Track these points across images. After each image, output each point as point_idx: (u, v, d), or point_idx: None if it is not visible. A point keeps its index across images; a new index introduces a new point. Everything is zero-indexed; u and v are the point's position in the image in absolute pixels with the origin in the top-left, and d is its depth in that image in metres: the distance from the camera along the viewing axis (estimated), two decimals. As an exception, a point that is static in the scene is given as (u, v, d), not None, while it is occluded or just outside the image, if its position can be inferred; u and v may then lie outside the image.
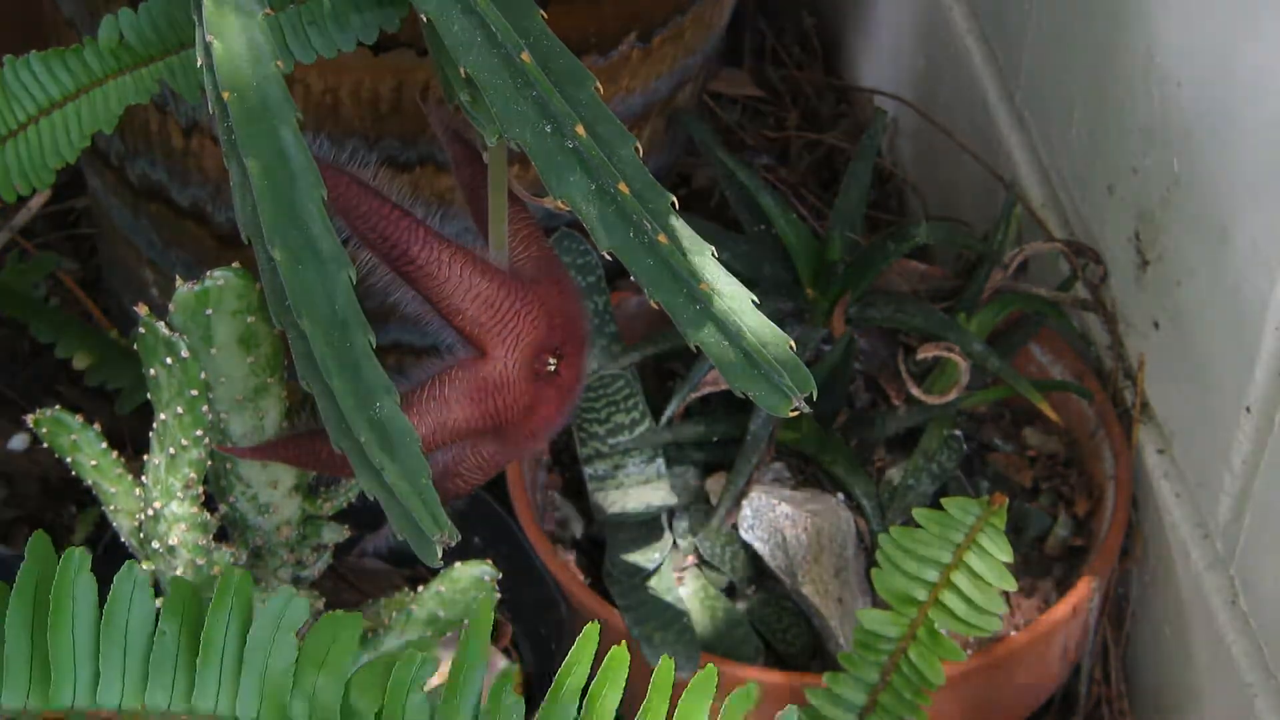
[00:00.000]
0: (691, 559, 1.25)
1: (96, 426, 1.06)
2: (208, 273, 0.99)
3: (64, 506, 1.42)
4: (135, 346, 1.01)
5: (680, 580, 1.24)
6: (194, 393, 1.01)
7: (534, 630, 1.25)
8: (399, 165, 1.18)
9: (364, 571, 1.30)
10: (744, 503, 1.24)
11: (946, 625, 1.08)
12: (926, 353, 1.27)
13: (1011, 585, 1.08)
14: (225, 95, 0.84)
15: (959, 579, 1.07)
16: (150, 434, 1.03)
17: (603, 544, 1.25)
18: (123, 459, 1.08)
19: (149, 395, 1.02)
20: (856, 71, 1.70)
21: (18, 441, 1.44)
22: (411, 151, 1.18)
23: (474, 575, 1.10)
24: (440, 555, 0.82)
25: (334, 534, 1.12)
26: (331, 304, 0.82)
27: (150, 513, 1.05)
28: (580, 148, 0.83)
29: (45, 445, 1.06)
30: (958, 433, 1.29)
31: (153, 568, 1.08)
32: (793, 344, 0.86)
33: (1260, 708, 1.14)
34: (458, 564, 1.10)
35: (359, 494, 1.09)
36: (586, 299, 1.27)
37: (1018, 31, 1.40)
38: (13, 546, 1.38)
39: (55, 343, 1.41)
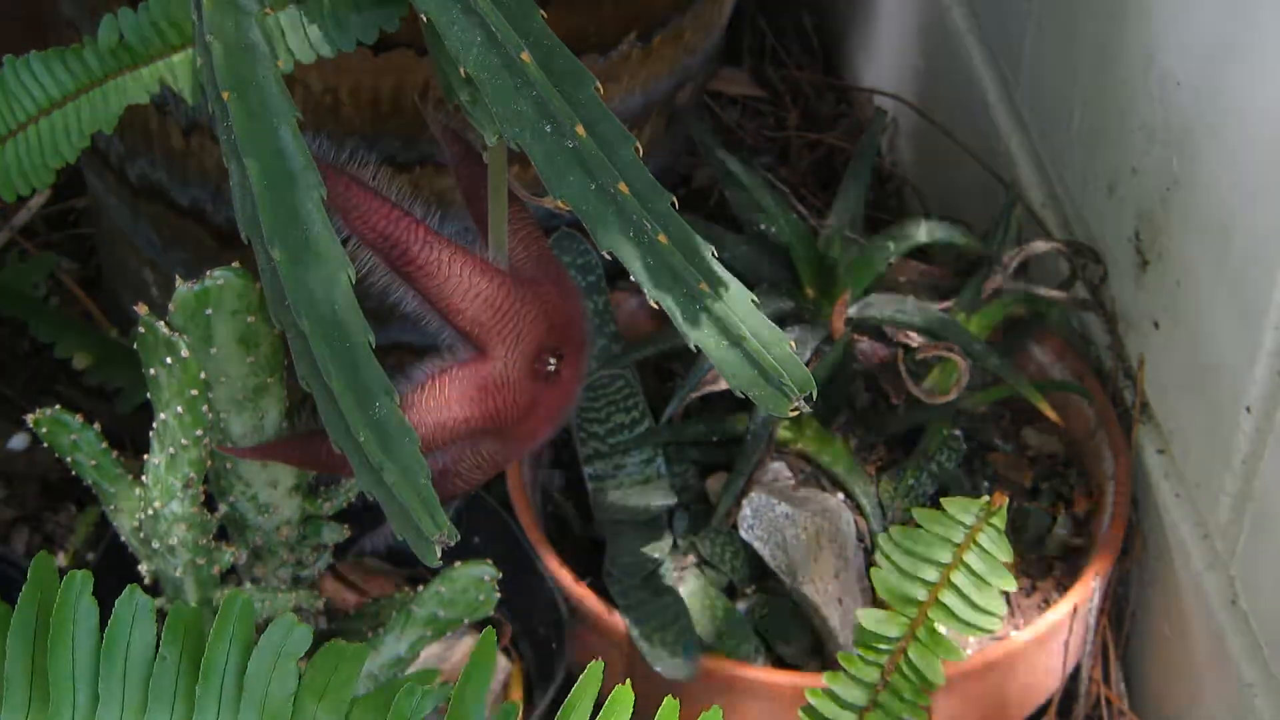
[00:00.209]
0: (691, 559, 1.25)
1: (96, 426, 1.06)
2: (208, 273, 0.99)
3: (64, 506, 1.42)
4: (135, 346, 1.01)
5: (680, 580, 1.24)
6: (194, 392, 1.01)
7: (534, 630, 1.25)
8: (399, 165, 1.18)
9: (364, 571, 1.30)
10: (744, 503, 1.24)
11: (946, 625, 1.08)
12: (926, 353, 1.27)
13: (1011, 585, 1.08)
14: (225, 95, 0.84)
15: (959, 579, 1.07)
16: (150, 434, 1.03)
17: (603, 544, 1.25)
18: (123, 459, 1.08)
19: (149, 395, 1.02)
20: (856, 71, 1.70)
21: (17, 441, 1.44)
22: (411, 151, 1.18)
23: (474, 575, 1.10)
24: (439, 555, 0.82)
25: (334, 534, 1.12)
26: (331, 304, 0.82)
27: (150, 512, 1.05)
28: (580, 148, 0.83)
29: (45, 445, 1.06)
30: (958, 433, 1.29)
31: (153, 567, 1.08)
32: (793, 344, 0.86)
33: (1260, 708, 1.14)
34: (457, 564, 1.10)
35: (359, 494, 1.09)
36: (586, 299, 1.27)
37: (1018, 31, 1.40)
38: (12, 547, 1.38)
39: (55, 343, 1.41)
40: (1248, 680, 1.16)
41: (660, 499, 1.25)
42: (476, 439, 1.00)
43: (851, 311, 1.29)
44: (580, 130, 0.83)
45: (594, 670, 0.90)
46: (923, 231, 1.30)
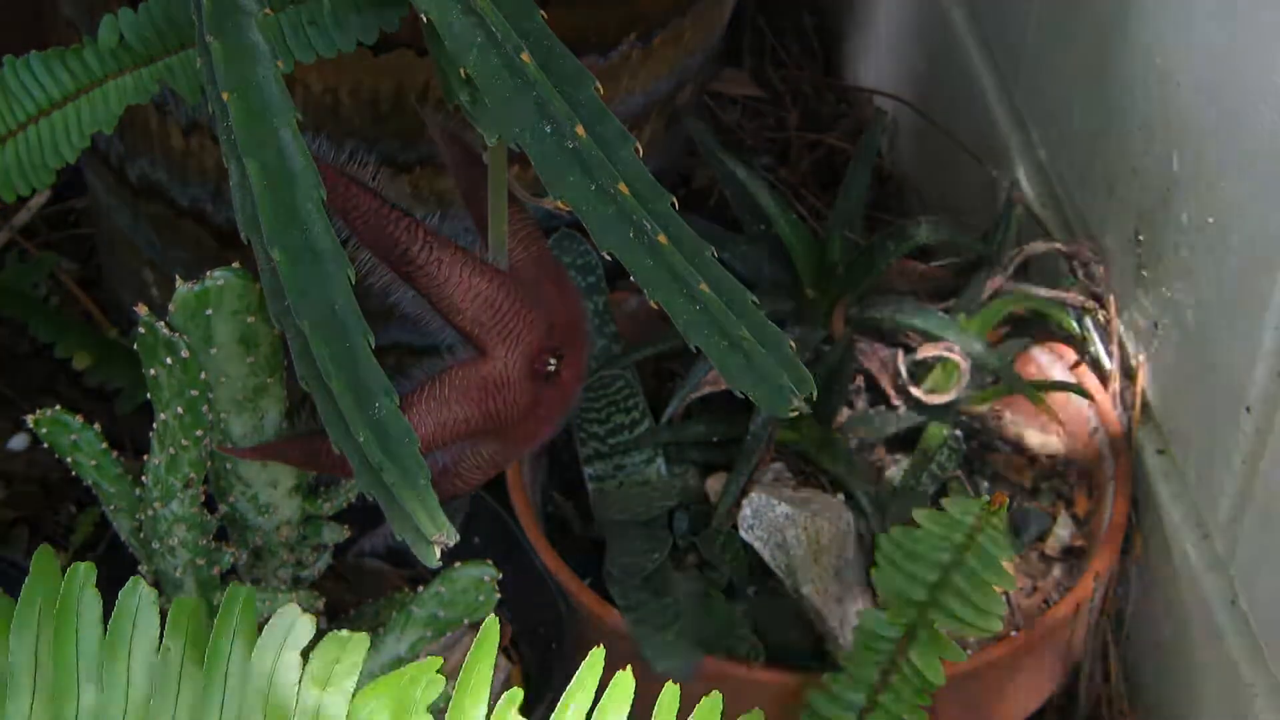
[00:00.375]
0: (691, 559, 1.25)
1: (96, 426, 1.06)
2: (208, 273, 0.99)
3: (64, 506, 1.42)
4: (135, 346, 1.01)
5: (680, 580, 1.24)
6: (194, 393, 1.01)
7: (534, 630, 1.25)
8: (399, 165, 1.18)
9: (364, 571, 1.30)
10: (744, 503, 1.24)
11: (946, 625, 1.08)
12: (926, 353, 1.27)
13: (1012, 585, 1.08)
14: (225, 95, 0.84)
15: (959, 579, 1.07)
16: (150, 434, 1.03)
17: (603, 544, 1.25)
18: (123, 459, 1.08)
19: (149, 395, 1.02)
20: (856, 71, 1.70)
21: (17, 442, 1.44)
22: (411, 152, 1.18)
23: (474, 575, 1.10)
24: (439, 556, 0.82)
25: (334, 534, 1.12)
26: (330, 304, 0.82)
27: (150, 513, 1.05)
28: (580, 148, 0.83)
29: (45, 445, 1.06)
30: (958, 433, 1.29)
31: (153, 568, 1.08)
32: (793, 344, 0.86)
33: (1260, 708, 1.14)
34: (457, 564, 1.10)
35: (359, 494, 1.09)
36: (586, 299, 1.27)
37: (1018, 31, 1.40)
38: (12, 548, 1.38)
39: (55, 343, 1.41)
40: (1247, 680, 1.15)
41: (660, 499, 1.25)
42: (476, 439, 1.00)
43: (851, 312, 1.29)
44: (580, 131, 0.83)
45: (595, 657, 0.90)
46: (923, 231, 1.30)
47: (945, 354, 1.25)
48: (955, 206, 1.50)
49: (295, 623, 0.88)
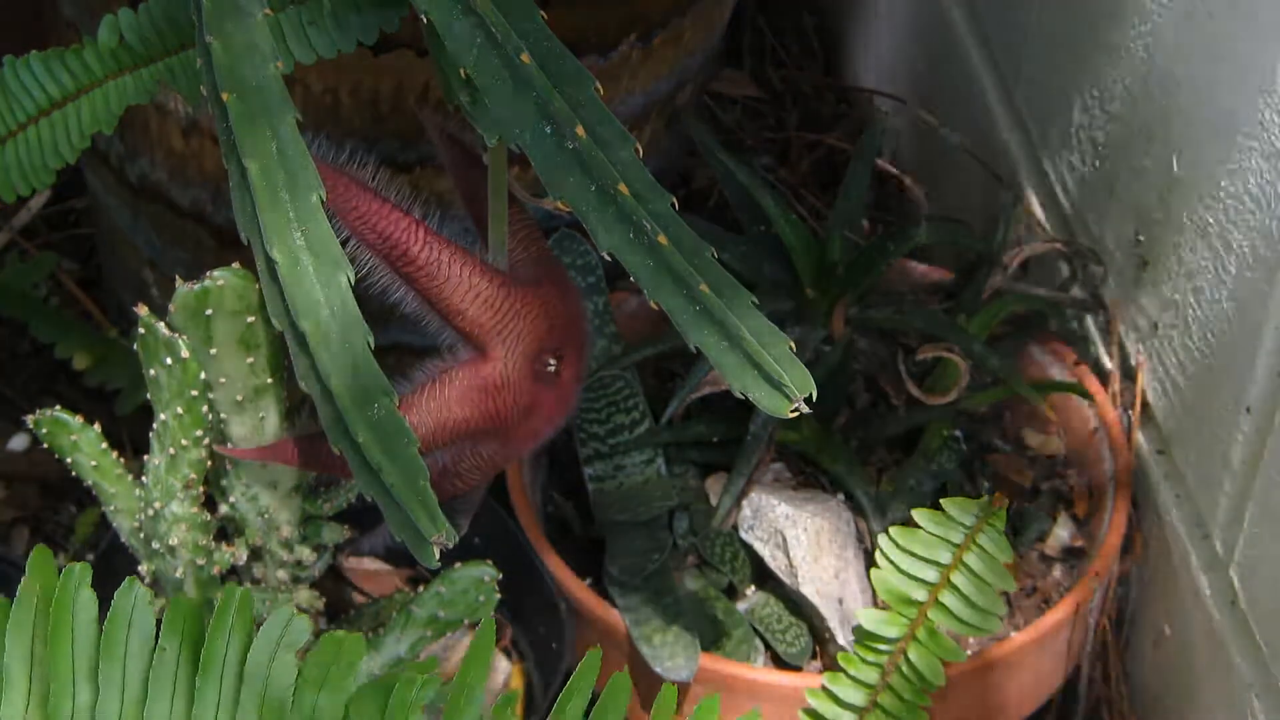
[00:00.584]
0: (691, 559, 1.25)
1: (96, 426, 1.06)
2: (208, 273, 0.99)
3: (64, 507, 1.42)
4: (135, 347, 1.01)
5: (680, 580, 1.24)
6: (194, 393, 1.01)
7: (534, 630, 1.25)
8: (398, 165, 1.18)
9: (364, 571, 1.30)
10: (744, 503, 1.24)
11: (946, 626, 1.08)
12: (926, 353, 1.27)
13: (1011, 586, 1.08)
14: (225, 96, 0.84)
15: (959, 580, 1.07)
16: (150, 434, 1.03)
17: (603, 544, 1.25)
18: (123, 459, 1.08)
19: (149, 395, 1.02)
20: (856, 71, 1.70)
21: (17, 442, 1.44)
22: (411, 152, 1.18)
23: (474, 576, 1.10)
24: (438, 556, 0.82)
25: (334, 534, 1.12)
26: (330, 305, 0.82)
27: (150, 513, 1.05)
28: (580, 149, 0.83)
29: (45, 446, 1.06)
30: (958, 433, 1.29)
31: (153, 568, 1.08)
32: (792, 344, 0.86)
33: (1260, 708, 1.14)
34: (458, 564, 1.10)
35: (359, 494, 1.09)
36: (586, 299, 1.27)
37: (1018, 31, 1.40)
38: (12, 548, 1.38)
39: (55, 343, 1.41)
40: (1247, 680, 1.16)
41: (660, 499, 1.25)
42: (476, 440, 1.00)
43: (851, 312, 1.29)
44: (580, 131, 0.83)
45: (592, 657, 0.90)
46: (923, 231, 1.30)
47: (945, 354, 1.25)
48: (955, 206, 1.50)
49: (291, 623, 0.88)
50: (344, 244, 0.85)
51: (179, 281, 1.00)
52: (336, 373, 0.81)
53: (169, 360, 1.00)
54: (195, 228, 1.27)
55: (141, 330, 1.00)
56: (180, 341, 0.99)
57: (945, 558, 1.07)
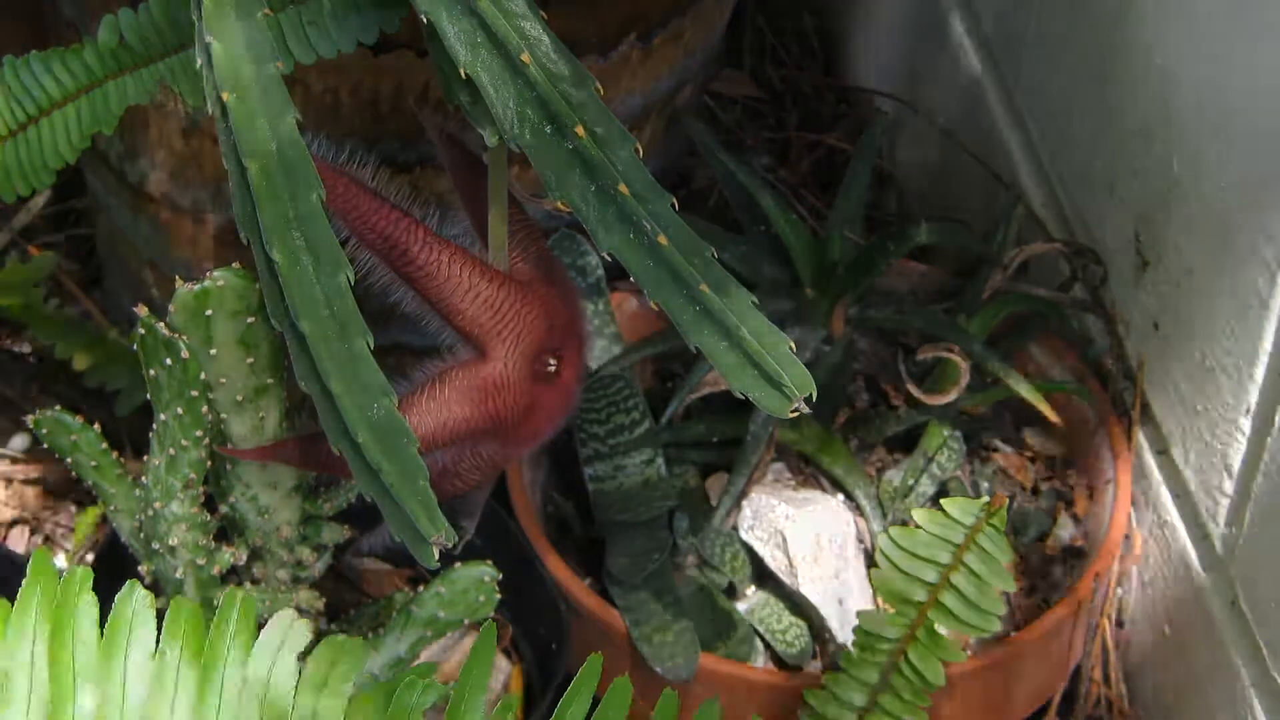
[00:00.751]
0: (691, 559, 1.25)
1: (96, 426, 1.06)
2: (208, 273, 0.99)
3: (64, 507, 1.42)
4: (135, 347, 1.01)
5: (680, 580, 1.24)
6: (194, 393, 1.01)
7: (534, 631, 1.25)
8: (399, 166, 1.18)
9: (364, 571, 1.30)
10: (744, 503, 1.24)
11: (946, 626, 1.08)
12: (926, 353, 1.27)
13: (1011, 586, 1.08)
14: (225, 96, 0.84)
15: (959, 580, 1.07)
16: (150, 434, 1.03)
17: (603, 544, 1.25)
18: (123, 459, 1.08)
19: (149, 395, 1.02)
20: (856, 71, 1.70)
21: (18, 442, 1.44)
22: (411, 152, 1.18)
23: (474, 576, 1.10)
24: (437, 556, 0.82)
25: (334, 534, 1.12)
26: (330, 305, 0.82)
27: (150, 513, 1.05)
28: (580, 148, 0.83)
29: (45, 445, 1.06)
30: (958, 433, 1.29)
31: (153, 568, 1.08)
32: (792, 345, 0.86)
33: (1260, 708, 1.14)
34: (458, 564, 1.10)
35: (359, 494, 1.09)
36: (586, 299, 1.27)
37: (1018, 31, 1.40)
38: (13, 548, 1.38)
39: (55, 343, 1.41)
40: (1247, 680, 1.16)
41: (660, 499, 1.25)
42: (476, 440, 1.00)
43: (851, 312, 1.29)
44: (580, 131, 0.83)
45: (593, 663, 0.90)
46: (923, 231, 1.30)
47: (945, 354, 1.25)
48: (955, 206, 1.50)
49: (292, 626, 0.88)
50: (344, 244, 0.85)
51: (179, 281, 0.99)
52: (336, 373, 0.81)
53: (169, 360, 1.00)
54: (195, 228, 1.27)
55: (141, 330, 1.00)
56: (180, 341, 0.99)
57: (945, 558, 1.07)
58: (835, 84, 1.71)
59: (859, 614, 1.10)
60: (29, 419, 1.06)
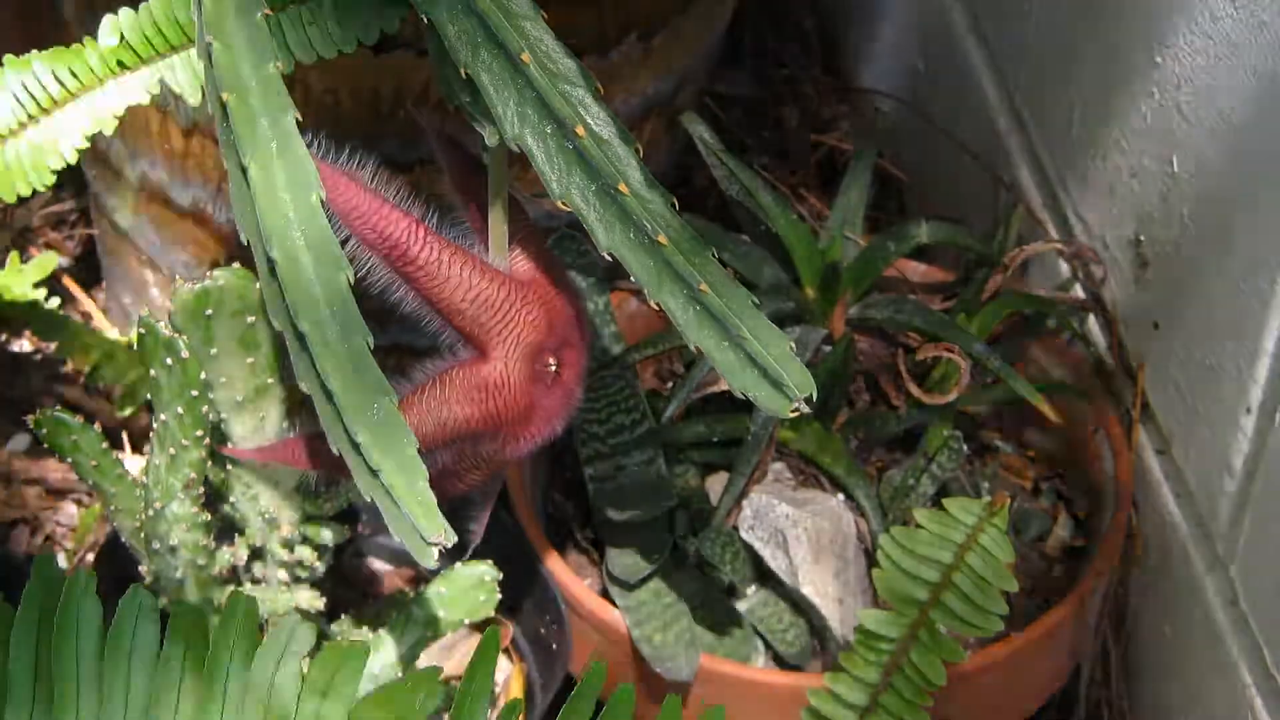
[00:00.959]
0: (691, 559, 1.25)
1: (96, 426, 1.06)
2: (208, 273, 0.99)
3: (64, 507, 1.42)
4: (135, 347, 1.01)
5: (680, 580, 1.24)
6: (194, 393, 1.01)
7: (534, 631, 1.25)
8: (399, 165, 1.18)
9: (364, 571, 1.30)
10: (744, 503, 1.24)
11: (947, 625, 1.08)
12: (926, 353, 1.27)
13: (1012, 586, 1.08)
14: (225, 95, 0.84)
15: (960, 579, 1.07)
16: (150, 434, 1.03)
17: (603, 544, 1.25)
18: (122, 459, 1.08)
19: (149, 395, 1.02)
20: (856, 71, 1.70)
21: (18, 442, 1.44)
22: (411, 152, 1.18)
23: (474, 576, 1.10)
24: (436, 557, 0.82)
25: (334, 534, 1.12)
26: (330, 305, 0.82)
27: (151, 513, 1.05)
28: (580, 148, 0.83)
29: (45, 445, 1.06)
30: (958, 433, 1.29)
31: (153, 568, 1.08)
32: (793, 344, 0.86)
33: (1260, 708, 1.14)
34: (458, 564, 1.10)
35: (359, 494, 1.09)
36: (586, 299, 1.27)
37: (1018, 32, 1.40)
38: (12, 548, 1.38)
39: (55, 343, 1.41)
40: (1247, 680, 1.16)
41: (660, 499, 1.25)
42: (476, 440, 1.00)
43: (851, 312, 1.29)
44: (580, 131, 0.83)
45: (596, 670, 0.90)
46: (923, 231, 1.30)
47: (945, 354, 1.25)
48: (955, 206, 1.50)
49: (295, 631, 0.88)
50: (344, 244, 0.85)
51: (179, 281, 0.99)
52: (336, 373, 0.81)
53: (169, 360, 1.00)
54: (195, 228, 1.27)
55: (141, 330, 1.00)
56: (180, 341, 0.99)
57: (947, 557, 1.07)
58: (835, 84, 1.71)
59: (860, 613, 1.10)
60: (29, 419, 1.06)
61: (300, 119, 0.84)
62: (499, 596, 1.10)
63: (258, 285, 0.99)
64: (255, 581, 1.12)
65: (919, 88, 1.57)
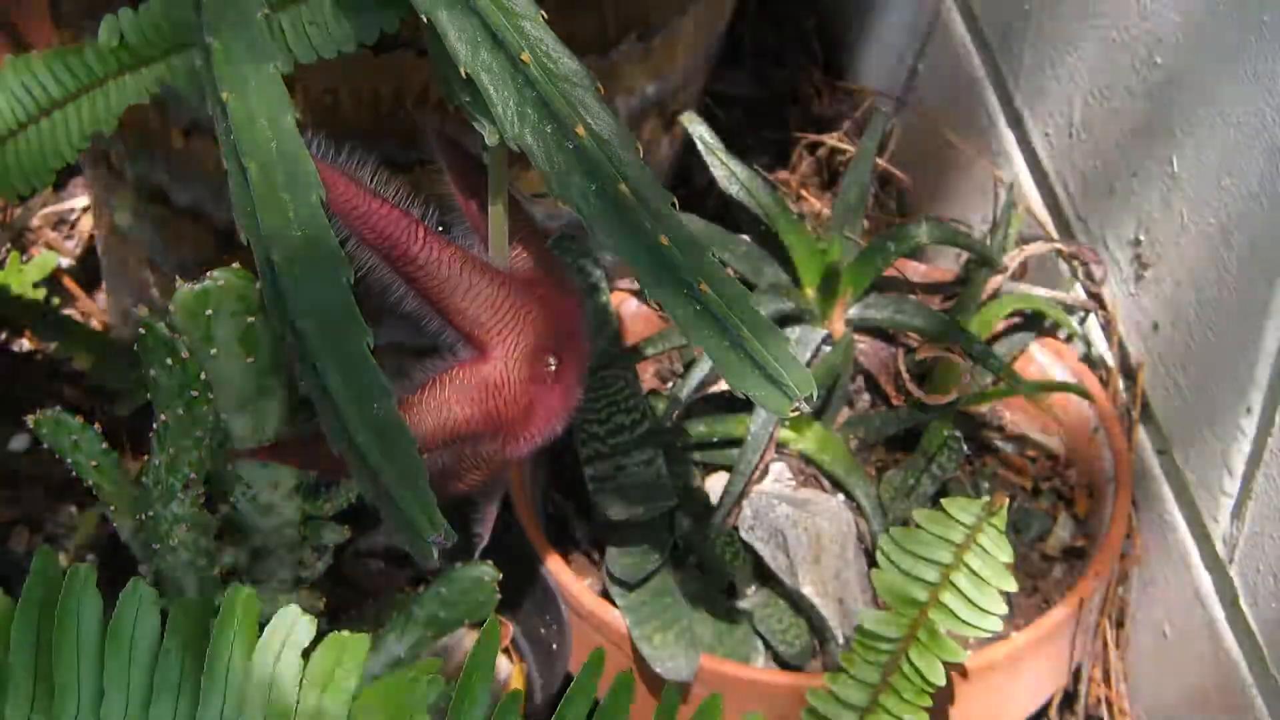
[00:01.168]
0: (692, 559, 1.25)
1: (96, 426, 1.06)
2: (208, 273, 0.99)
3: (64, 507, 1.42)
4: (135, 347, 1.01)
5: (680, 580, 1.24)
6: (194, 393, 1.01)
7: (534, 631, 1.25)
8: (399, 166, 1.18)
9: (364, 571, 1.30)
10: (744, 503, 1.24)
11: (947, 626, 1.08)
12: (926, 353, 1.27)
13: (1012, 586, 1.08)
14: (225, 95, 0.84)
15: (959, 579, 1.07)
16: (150, 434, 1.03)
17: (603, 544, 1.25)
18: (122, 459, 1.08)
19: (149, 395, 1.02)
20: (856, 71, 1.70)
21: (18, 442, 1.44)
22: (411, 152, 1.18)
23: (474, 576, 1.10)
24: (436, 557, 0.82)
25: (334, 534, 1.12)
26: (330, 305, 0.82)
27: (151, 513, 1.05)
28: (580, 148, 0.83)
29: (45, 445, 1.06)
30: (958, 433, 1.29)
31: (154, 568, 1.08)
32: (793, 344, 0.85)
33: (1260, 708, 1.14)
34: (458, 564, 1.10)
35: (359, 494, 1.09)
36: (586, 299, 1.27)
37: (1018, 32, 1.40)
38: (12, 548, 1.38)
39: (55, 343, 1.41)
40: (1248, 680, 1.15)
41: (661, 499, 1.25)
42: (476, 440, 1.00)
43: (851, 312, 1.29)
44: (580, 131, 0.83)
45: (596, 657, 0.90)
46: (923, 231, 1.30)
47: (945, 354, 1.25)
48: (955, 206, 1.50)
49: (296, 624, 0.88)
50: (344, 244, 0.84)
51: (179, 281, 0.99)
52: (335, 373, 0.81)
53: (169, 361, 1.00)
54: (195, 228, 1.27)
55: (141, 330, 1.00)
56: (180, 341, 0.99)
57: (946, 557, 1.07)
58: (835, 84, 1.71)
59: (860, 613, 1.10)
60: (29, 419, 1.06)
61: (300, 119, 0.84)
62: (499, 596, 1.10)
63: (258, 285, 0.99)
64: (255, 581, 1.12)
65: (919, 88, 1.57)
